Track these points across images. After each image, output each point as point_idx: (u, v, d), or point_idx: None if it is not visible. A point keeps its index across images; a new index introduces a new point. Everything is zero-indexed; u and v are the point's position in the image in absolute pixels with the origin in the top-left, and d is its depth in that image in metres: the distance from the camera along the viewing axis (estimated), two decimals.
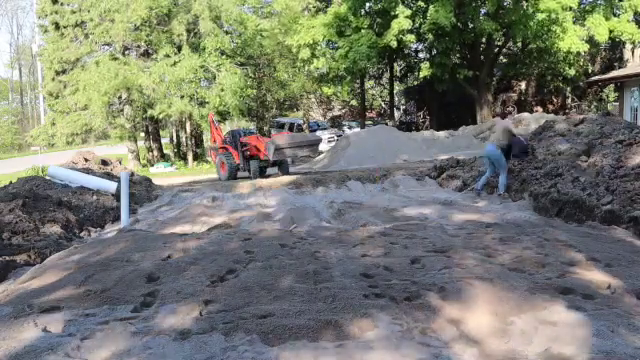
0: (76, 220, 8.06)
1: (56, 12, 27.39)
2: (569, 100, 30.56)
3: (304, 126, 32.21)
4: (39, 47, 32.44)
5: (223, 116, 27.90)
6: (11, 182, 10.12)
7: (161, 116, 26.11)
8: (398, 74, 33.67)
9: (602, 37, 21.53)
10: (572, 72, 24.83)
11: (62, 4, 27.37)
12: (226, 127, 30.86)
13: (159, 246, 5.07)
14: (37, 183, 9.86)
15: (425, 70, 25.34)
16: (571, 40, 21.23)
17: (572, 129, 10.42)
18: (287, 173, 16.38)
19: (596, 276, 3.76)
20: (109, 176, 12.43)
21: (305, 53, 24.36)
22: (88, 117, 25.91)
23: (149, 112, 25.25)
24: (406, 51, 28.27)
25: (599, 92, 29.13)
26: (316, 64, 25.12)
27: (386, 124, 29.20)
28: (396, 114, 35.54)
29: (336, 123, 36.74)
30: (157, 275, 4.18)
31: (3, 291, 4.21)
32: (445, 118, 30.19)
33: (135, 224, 7.99)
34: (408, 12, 22.76)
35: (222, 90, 24.63)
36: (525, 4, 21.94)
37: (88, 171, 12.23)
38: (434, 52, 26.88)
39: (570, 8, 20.80)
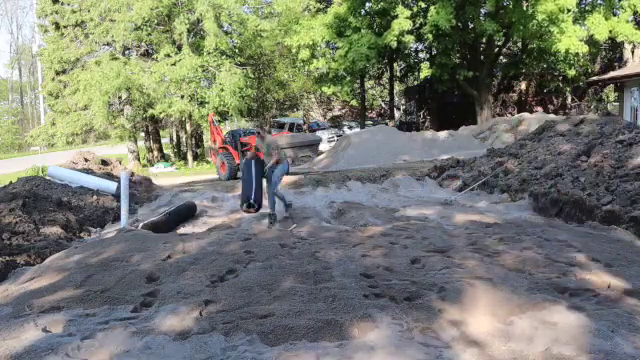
0: (76, 220, 8.05)
1: (56, 12, 27.40)
2: (569, 100, 30.55)
3: (304, 126, 32.21)
4: (39, 47, 32.44)
5: (223, 116, 27.91)
6: (11, 182, 10.12)
7: (161, 116, 26.12)
8: (398, 74, 33.66)
9: (601, 35, 21.54)
10: (572, 72, 24.84)
11: (62, 4, 27.37)
12: (226, 127, 30.89)
13: (159, 246, 5.07)
14: (37, 183, 9.85)
15: (425, 70, 25.34)
16: (570, 41, 21.23)
17: (572, 129, 10.43)
18: (287, 173, 16.37)
19: (596, 276, 3.76)
20: (109, 176, 12.43)
21: (305, 54, 24.36)
22: (88, 117, 25.93)
23: (149, 111, 25.27)
24: (406, 51, 28.26)
25: (599, 92, 29.13)
26: (316, 64, 25.12)
27: (386, 124, 29.20)
28: (396, 114, 35.54)
29: (336, 123, 36.74)
30: (157, 275, 4.17)
31: (3, 291, 4.21)
32: (445, 118, 30.18)
33: (135, 224, 7.98)
34: (408, 13, 22.76)
35: (222, 90, 24.64)
36: (525, 4, 21.96)
37: (88, 171, 12.22)
38: (434, 52, 26.88)
39: (568, 10, 20.80)
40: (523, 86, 31.22)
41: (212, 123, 18.87)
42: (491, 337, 2.89)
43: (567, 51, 21.61)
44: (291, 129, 28.17)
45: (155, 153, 30.53)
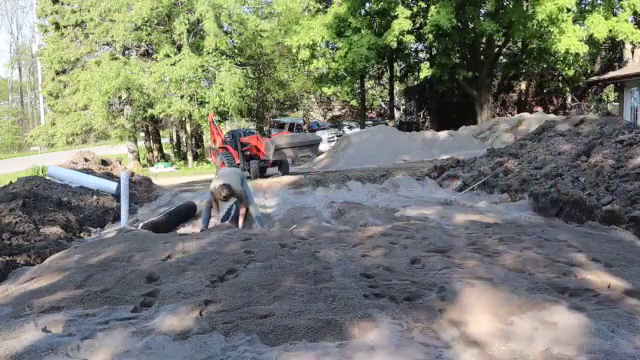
0: (76, 220, 8.05)
1: (56, 12, 27.41)
2: (569, 100, 30.57)
3: (304, 126, 32.22)
4: (39, 47, 32.45)
5: (223, 116, 27.93)
6: (11, 182, 10.12)
7: (161, 116, 26.13)
8: (398, 74, 33.67)
9: (601, 35, 21.56)
10: (571, 72, 24.86)
11: (62, 4, 27.38)
12: (226, 127, 30.91)
13: (159, 246, 5.06)
14: (37, 183, 9.85)
15: (425, 70, 25.35)
16: (570, 41, 21.24)
17: (572, 129, 10.43)
18: (287, 173, 16.38)
19: (596, 276, 3.75)
20: (109, 176, 12.44)
21: (304, 54, 24.36)
22: (88, 117, 25.94)
23: (149, 112, 25.28)
24: (406, 51, 28.28)
25: (599, 92, 29.14)
26: (316, 64, 25.13)
27: (386, 124, 29.21)
28: (396, 114, 35.54)
29: (336, 123, 36.75)
30: (157, 275, 4.17)
31: (3, 291, 4.21)
32: (445, 118, 30.20)
33: (135, 224, 7.98)
34: (408, 13, 22.77)
35: (222, 90, 24.65)
36: (525, 4, 21.96)
37: (88, 171, 12.23)
38: (434, 52, 26.89)
39: (568, 10, 20.82)
40: (523, 86, 31.23)
41: (212, 123, 18.88)
42: (491, 337, 2.89)
43: (567, 51, 21.63)
44: (291, 129, 28.18)
45: (155, 153, 30.53)
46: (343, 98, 35.01)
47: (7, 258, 5.33)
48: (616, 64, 27.28)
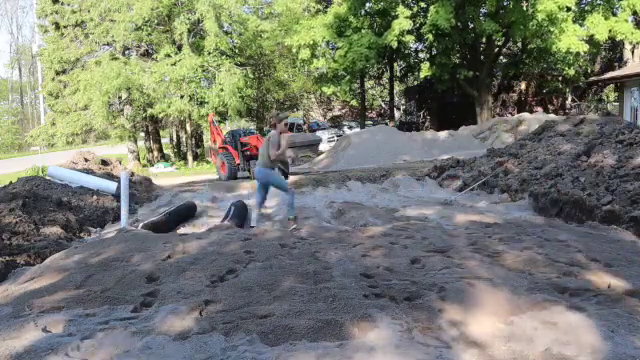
0: (76, 220, 8.05)
1: (56, 12, 27.43)
2: (569, 100, 30.57)
3: (304, 126, 32.21)
4: (39, 47, 32.46)
5: (223, 116, 27.95)
6: (11, 182, 10.12)
7: (161, 116, 26.14)
8: (398, 74, 33.67)
9: (601, 36, 21.56)
10: (571, 72, 24.85)
11: (62, 4, 27.39)
12: (226, 127, 30.91)
13: (159, 246, 5.06)
14: (37, 183, 9.85)
15: (425, 70, 25.35)
16: (570, 40, 21.24)
17: (572, 129, 10.43)
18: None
19: (596, 276, 3.76)
20: (109, 176, 12.44)
21: (305, 54, 24.37)
22: (88, 117, 25.95)
23: (149, 111, 25.29)
24: (406, 51, 28.29)
25: (599, 92, 29.14)
26: (316, 64, 25.14)
27: (386, 124, 29.22)
28: (396, 114, 35.54)
29: (336, 123, 36.74)
30: (157, 275, 4.17)
31: (3, 291, 4.21)
32: (445, 118, 30.20)
33: (135, 224, 7.98)
34: (408, 13, 22.79)
35: (222, 90, 24.65)
36: (525, 4, 21.97)
37: (88, 171, 12.23)
38: (434, 52, 26.90)
39: (568, 9, 20.82)
40: (523, 86, 31.23)
41: (212, 123, 18.89)
42: (491, 337, 2.89)
43: (567, 50, 21.62)
44: (291, 129, 28.17)
45: (155, 153, 30.53)
46: (343, 98, 35.00)
47: (7, 258, 5.33)
48: (616, 64, 27.29)
